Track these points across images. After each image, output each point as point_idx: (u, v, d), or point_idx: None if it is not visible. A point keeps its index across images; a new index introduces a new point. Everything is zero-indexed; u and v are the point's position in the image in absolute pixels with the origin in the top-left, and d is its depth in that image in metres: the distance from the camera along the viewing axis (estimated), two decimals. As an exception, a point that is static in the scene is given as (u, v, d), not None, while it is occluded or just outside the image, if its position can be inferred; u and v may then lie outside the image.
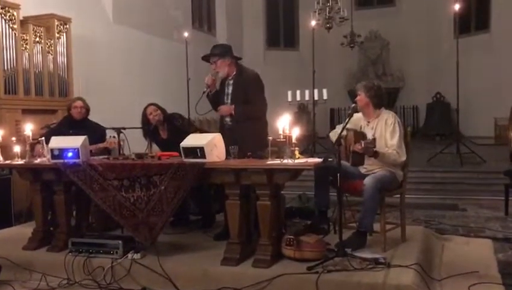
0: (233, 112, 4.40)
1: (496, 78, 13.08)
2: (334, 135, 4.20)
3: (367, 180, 3.96)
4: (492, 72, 13.18)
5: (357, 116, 4.35)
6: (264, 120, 4.48)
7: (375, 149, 3.88)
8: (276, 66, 15.96)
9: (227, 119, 4.49)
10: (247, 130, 4.32)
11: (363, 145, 3.84)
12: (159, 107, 5.00)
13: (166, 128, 5.01)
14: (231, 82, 4.48)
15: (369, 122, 4.28)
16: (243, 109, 4.38)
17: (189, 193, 4.01)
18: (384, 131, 4.15)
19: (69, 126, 5.20)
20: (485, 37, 14.02)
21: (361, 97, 4.24)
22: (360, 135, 4.05)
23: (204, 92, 4.51)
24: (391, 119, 4.16)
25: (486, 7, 14.13)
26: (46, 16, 7.35)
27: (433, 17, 15.27)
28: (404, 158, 4.11)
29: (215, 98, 4.55)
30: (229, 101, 4.48)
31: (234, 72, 4.46)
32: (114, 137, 4.84)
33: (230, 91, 4.49)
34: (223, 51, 4.44)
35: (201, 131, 4.87)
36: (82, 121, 5.24)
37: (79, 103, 5.29)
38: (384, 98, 4.33)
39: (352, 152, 3.98)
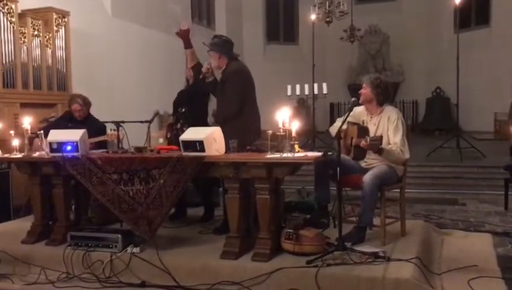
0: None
1: (495, 73, 13.07)
2: (333, 129, 4.16)
3: (366, 177, 3.92)
4: (492, 67, 13.18)
5: (359, 110, 4.31)
6: (244, 119, 4.32)
7: (381, 146, 3.84)
8: (276, 60, 15.96)
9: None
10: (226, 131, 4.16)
11: (368, 141, 3.77)
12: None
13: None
14: (221, 75, 4.54)
15: (371, 117, 4.23)
16: (218, 111, 4.50)
17: (194, 183, 3.94)
18: (387, 128, 4.10)
19: (68, 120, 5.18)
20: (485, 32, 13.99)
21: (367, 92, 4.16)
22: (363, 130, 4.00)
23: (201, 77, 4.53)
24: (394, 116, 4.11)
25: (487, 2, 14.10)
26: (45, 9, 7.33)
27: (434, 11, 15.25)
28: (407, 156, 4.08)
29: (213, 88, 4.57)
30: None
31: (224, 66, 4.47)
32: (114, 130, 4.81)
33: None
34: (213, 43, 4.48)
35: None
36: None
37: (76, 107, 5.15)
38: (390, 96, 4.30)
39: (354, 146, 3.94)
